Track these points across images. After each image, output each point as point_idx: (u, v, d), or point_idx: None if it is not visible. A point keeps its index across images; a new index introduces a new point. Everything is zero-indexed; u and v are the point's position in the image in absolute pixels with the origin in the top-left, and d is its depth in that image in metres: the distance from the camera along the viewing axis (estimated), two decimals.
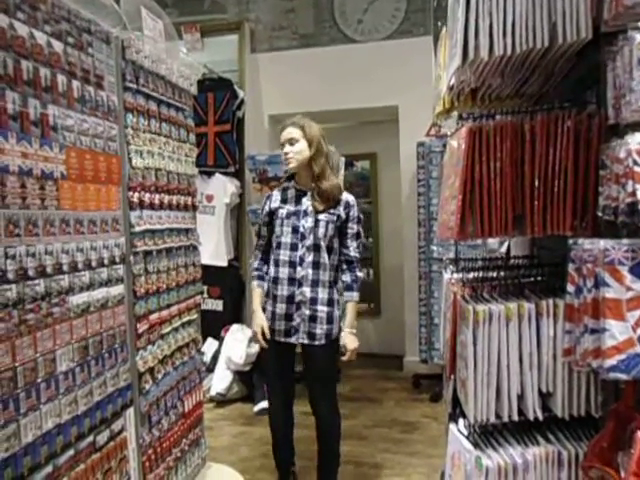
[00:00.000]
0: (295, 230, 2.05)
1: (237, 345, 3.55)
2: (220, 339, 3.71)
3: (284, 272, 2.05)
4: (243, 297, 3.97)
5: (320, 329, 2.03)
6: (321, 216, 2.03)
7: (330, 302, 2.06)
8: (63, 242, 1.34)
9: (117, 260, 1.59)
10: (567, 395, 1.28)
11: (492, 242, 2.71)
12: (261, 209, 2.22)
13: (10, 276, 1.16)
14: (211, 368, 3.61)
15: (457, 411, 1.52)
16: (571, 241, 1.14)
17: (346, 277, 2.09)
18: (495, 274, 1.53)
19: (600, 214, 1.12)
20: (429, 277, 3.65)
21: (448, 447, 1.53)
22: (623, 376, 1.01)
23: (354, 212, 2.09)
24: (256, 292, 2.16)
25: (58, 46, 1.34)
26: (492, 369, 1.28)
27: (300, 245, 2.04)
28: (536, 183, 1.24)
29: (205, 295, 3.74)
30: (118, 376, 1.57)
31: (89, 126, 1.46)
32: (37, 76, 1.26)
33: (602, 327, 1.02)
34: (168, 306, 1.92)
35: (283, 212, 2.08)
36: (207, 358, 3.60)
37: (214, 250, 3.80)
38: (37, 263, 1.25)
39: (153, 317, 1.80)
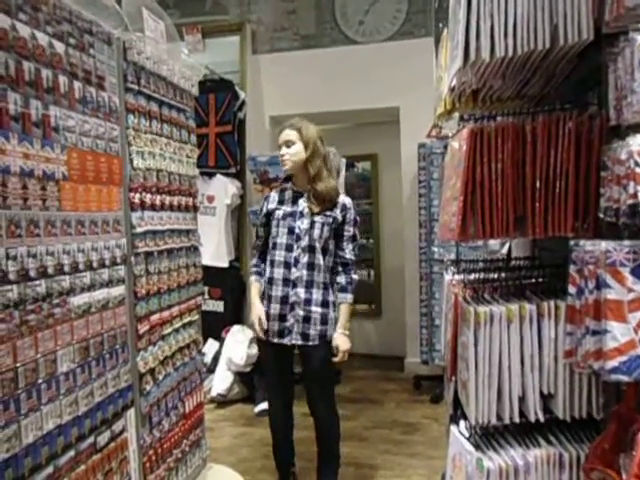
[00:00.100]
0: (291, 231, 2.06)
1: (238, 346, 3.55)
2: (221, 340, 3.71)
3: (279, 273, 2.06)
4: (244, 298, 3.96)
5: (314, 330, 2.04)
6: (317, 218, 2.05)
7: (324, 303, 2.06)
8: (64, 243, 1.34)
9: (118, 261, 1.59)
10: (568, 397, 1.27)
11: (493, 243, 2.71)
12: (259, 210, 2.24)
13: (11, 277, 1.16)
14: (212, 369, 3.60)
15: (458, 412, 1.51)
16: (572, 242, 1.14)
17: (341, 279, 2.09)
18: (496, 275, 1.53)
19: (601, 215, 1.12)
20: (430, 278, 3.65)
21: (449, 449, 1.53)
22: (624, 378, 1.01)
23: (350, 215, 2.10)
24: (254, 286, 2.17)
25: (60, 47, 1.34)
26: (493, 370, 1.28)
27: (295, 246, 2.05)
28: (537, 184, 1.24)
29: (206, 296, 3.74)
30: (119, 377, 1.57)
31: (90, 127, 1.47)
32: (39, 77, 1.26)
33: (603, 329, 1.01)
34: (169, 307, 1.92)
35: (280, 213, 2.09)
36: (208, 359, 3.60)
37: (215, 251, 3.81)
38: (38, 264, 1.25)
39: (154, 318, 1.80)
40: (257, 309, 2.10)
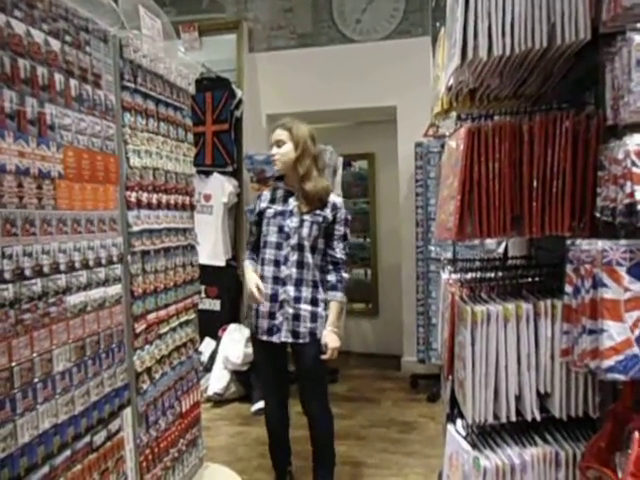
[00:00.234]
0: (280, 229, 2.08)
1: (234, 345, 3.55)
2: (218, 339, 3.70)
3: (269, 270, 2.08)
4: (241, 297, 3.96)
5: (304, 327, 2.05)
6: (306, 216, 2.06)
7: (314, 301, 2.07)
8: (60, 242, 1.33)
9: (115, 260, 1.58)
10: (565, 396, 1.28)
11: (490, 242, 2.72)
12: (253, 208, 2.25)
13: (7, 276, 1.16)
14: (208, 368, 3.60)
15: (455, 411, 1.51)
16: (569, 242, 1.14)
17: (331, 277, 2.10)
18: (493, 275, 1.53)
19: (598, 215, 1.12)
20: (427, 277, 3.66)
21: (446, 447, 1.53)
22: (621, 377, 1.01)
23: (341, 214, 2.11)
24: (248, 267, 2.16)
25: (55, 45, 1.33)
26: (490, 370, 1.28)
27: (285, 244, 2.07)
28: (534, 184, 1.24)
29: (202, 295, 3.73)
30: (115, 376, 1.57)
31: (87, 125, 1.46)
32: (34, 75, 1.25)
33: (600, 328, 1.02)
34: (166, 306, 1.92)
35: (270, 212, 2.11)
36: (204, 358, 3.60)
37: (212, 250, 3.80)
38: (34, 263, 1.24)
39: (151, 317, 1.80)
40: (253, 278, 2.08)
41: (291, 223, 2.06)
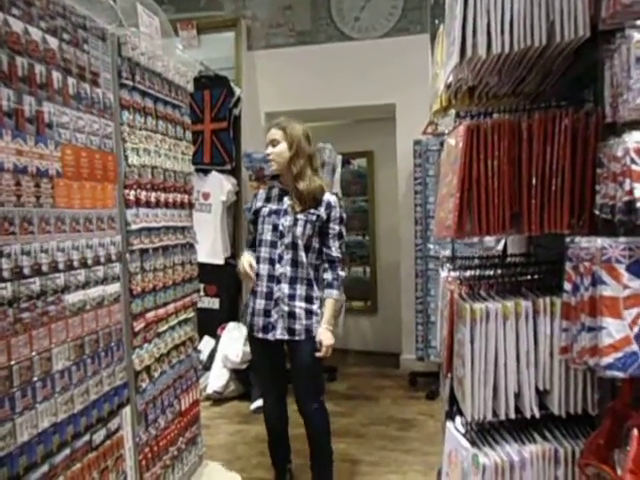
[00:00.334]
0: (275, 228, 2.09)
1: (234, 343, 3.55)
2: (217, 337, 3.70)
3: (264, 269, 2.09)
4: (239, 295, 3.96)
5: (299, 325, 2.05)
6: (300, 215, 2.07)
7: (308, 299, 2.08)
8: (59, 240, 1.33)
9: (113, 258, 1.58)
10: (564, 393, 1.28)
11: (488, 240, 2.71)
12: (250, 207, 2.26)
13: (5, 274, 1.16)
14: (207, 366, 3.60)
15: (454, 409, 1.52)
16: (568, 239, 1.14)
17: (327, 275, 2.11)
18: (492, 272, 1.53)
19: (597, 212, 1.12)
20: (426, 275, 3.66)
21: (445, 445, 1.53)
22: (620, 374, 1.01)
23: (335, 213, 2.11)
24: (245, 252, 2.18)
25: (53, 42, 1.33)
26: (489, 367, 1.29)
27: (279, 243, 2.08)
28: (533, 181, 1.24)
29: (201, 293, 3.73)
30: (114, 375, 1.57)
31: (85, 123, 1.46)
32: (32, 73, 1.25)
33: (599, 325, 1.02)
34: (164, 304, 1.91)
35: (265, 210, 2.13)
36: (204, 356, 3.60)
37: (211, 248, 3.80)
38: (32, 261, 1.24)
39: (149, 315, 1.79)
40: (246, 256, 2.11)
41: (285, 222, 2.07)
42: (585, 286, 1.06)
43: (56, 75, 1.33)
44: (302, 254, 2.07)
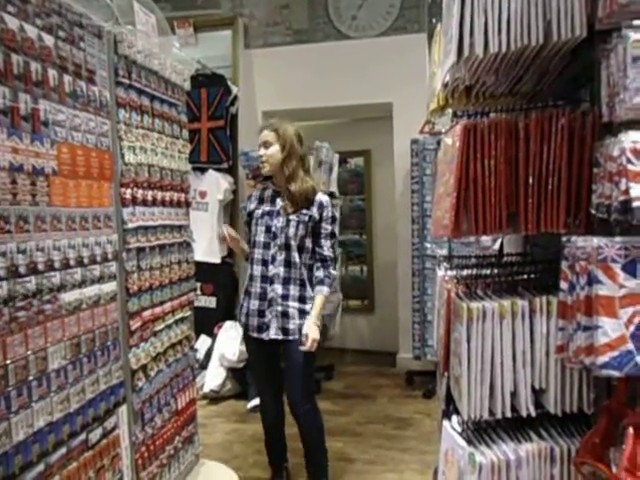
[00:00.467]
0: (268, 229, 2.10)
1: (230, 342, 3.54)
2: (213, 336, 3.70)
3: (257, 270, 2.11)
4: (236, 294, 3.95)
5: (293, 324, 2.06)
6: (292, 216, 2.08)
7: (302, 299, 2.09)
8: (54, 239, 1.33)
9: (109, 257, 1.58)
10: (560, 392, 1.28)
11: (485, 239, 2.72)
12: (245, 207, 2.28)
13: (1, 273, 1.15)
14: (204, 365, 3.60)
15: (450, 408, 1.52)
16: (564, 239, 1.14)
17: (319, 273, 2.12)
18: (489, 271, 1.53)
19: (593, 212, 1.13)
20: (422, 274, 3.66)
21: (441, 444, 1.53)
22: (615, 373, 1.01)
23: (327, 212, 2.12)
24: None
25: (49, 40, 1.32)
26: (486, 366, 1.29)
27: (272, 244, 2.09)
28: (530, 181, 1.24)
29: (198, 292, 3.73)
30: (111, 374, 1.56)
31: (81, 121, 1.45)
32: (28, 70, 1.24)
33: (595, 324, 1.02)
34: (161, 303, 1.91)
35: (259, 212, 2.14)
36: (200, 355, 3.59)
37: (207, 247, 3.79)
38: (28, 260, 1.23)
39: (146, 314, 1.79)
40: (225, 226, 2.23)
41: (278, 223, 2.09)
42: (581, 285, 1.06)
43: (52, 73, 1.33)
44: (295, 255, 2.08)
